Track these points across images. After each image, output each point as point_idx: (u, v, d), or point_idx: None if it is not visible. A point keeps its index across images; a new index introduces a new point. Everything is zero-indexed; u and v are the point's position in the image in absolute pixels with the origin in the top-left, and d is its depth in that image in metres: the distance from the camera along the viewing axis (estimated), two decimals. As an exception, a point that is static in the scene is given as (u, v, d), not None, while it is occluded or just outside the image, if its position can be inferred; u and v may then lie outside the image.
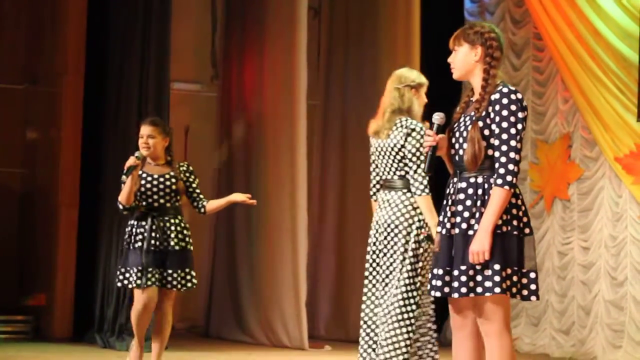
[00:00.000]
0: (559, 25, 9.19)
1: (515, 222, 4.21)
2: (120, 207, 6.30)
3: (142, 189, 6.32)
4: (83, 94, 9.07)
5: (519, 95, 4.24)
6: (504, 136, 4.18)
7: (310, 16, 9.93)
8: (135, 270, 6.27)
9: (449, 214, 4.29)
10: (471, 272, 4.15)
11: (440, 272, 4.25)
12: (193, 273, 6.46)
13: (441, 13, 10.28)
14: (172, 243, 6.34)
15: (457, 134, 4.33)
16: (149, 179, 6.35)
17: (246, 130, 9.75)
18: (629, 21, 8.71)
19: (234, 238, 9.70)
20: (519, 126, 4.20)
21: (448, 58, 4.49)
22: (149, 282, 6.27)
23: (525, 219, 4.25)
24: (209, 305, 9.89)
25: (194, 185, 6.50)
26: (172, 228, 6.36)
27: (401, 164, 5.76)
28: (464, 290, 4.16)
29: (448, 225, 4.28)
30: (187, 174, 6.49)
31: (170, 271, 6.33)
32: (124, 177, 6.19)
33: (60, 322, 8.96)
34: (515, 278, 4.20)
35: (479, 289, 4.14)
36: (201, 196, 6.53)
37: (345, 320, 9.87)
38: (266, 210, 9.27)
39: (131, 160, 6.19)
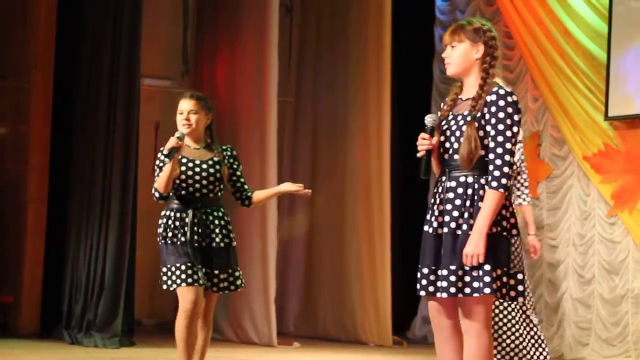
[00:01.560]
0: (529, 24, 9.23)
1: (504, 223, 4.22)
2: (157, 195, 5.47)
3: (182, 176, 5.49)
4: (52, 88, 9.02)
5: (515, 98, 4.22)
6: (500, 138, 4.16)
7: (282, 13, 9.92)
8: (184, 267, 5.45)
9: (436, 213, 4.27)
10: (460, 273, 4.14)
11: (426, 271, 4.24)
12: (238, 273, 5.64)
13: (412, 10, 10.32)
14: (216, 239, 5.54)
15: (448, 133, 4.29)
16: (190, 164, 5.52)
17: (217, 127, 9.70)
18: (598, 20, 8.76)
19: (204, 234, 9.67)
20: (515, 129, 4.18)
21: (443, 53, 4.39)
22: (201, 281, 5.46)
23: (512, 220, 4.25)
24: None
25: (238, 172, 5.69)
26: (216, 222, 5.57)
27: None
28: (452, 290, 4.15)
29: (435, 224, 4.26)
30: (232, 160, 5.67)
31: (216, 272, 5.53)
32: (164, 158, 5.40)
33: (27, 318, 8.91)
34: (504, 279, 4.20)
35: (468, 290, 4.14)
36: (246, 186, 5.72)
37: (315, 317, 9.89)
38: (235, 205, 9.24)
39: (173, 141, 5.38)
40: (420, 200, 9.60)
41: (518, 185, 5.83)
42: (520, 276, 4.23)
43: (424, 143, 4.27)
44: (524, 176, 5.83)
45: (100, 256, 8.47)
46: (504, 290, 4.20)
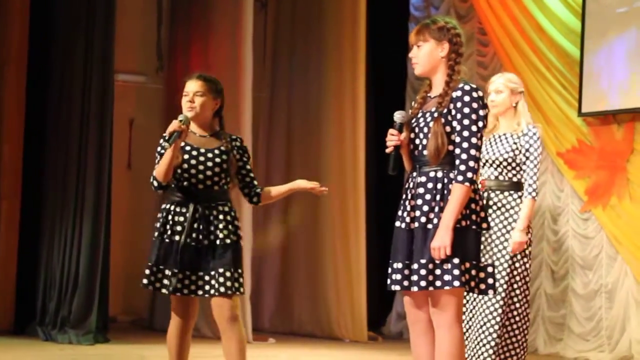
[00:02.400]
0: (503, 21, 9.27)
1: (473, 217, 4.27)
2: (155, 184, 4.99)
3: (185, 165, 4.98)
4: (25, 84, 8.96)
5: (480, 93, 4.28)
6: (465, 133, 4.22)
7: (257, 8, 9.91)
8: (169, 272, 4.99)
9: (408, 208, 4.32)
10: (431, 266, 4.18)
11: (400, 266, 4.27)
12: (237, 275, 5.01)
13: (387, 6, 10.33)
14: (220, 235, 4.98)
15: (417, 129, 4.35)
16: (194, 153, 5.01)
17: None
18: (572, 17, 8.81)
19: (179, 230, 9.64)
20: (480, 123, 4.24)
21: (409, 53, 4.47)
22: (185, 290, 4.99)
23: (482, 214, 4.30)
24: (153, 298, 9.84)
25: (247, 166, 5.16)
26: (221, 217, 5.01)
27: None
28: (423, 283, 4.19)
29: (407, 220, 4.31)
30: (241, 151, 5.15)
31: (221, 270, 4.94)
32: (164, 144, 4.89)
33: (1, 315, 8.85)
34: (473, 272, 4.26)
35: (438, 283, 4.18)
36: (255, 182, 5.19)
37: (290, 313, 9.89)
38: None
39: (174, 125, 4.86)
40: (395, 196, 9.59)
41: (522, 180, 5.86)
42: (490, 269, 4.27)
43: (392, 139, 4.33)
44: (529, 171, 5.84)
45: (75, 252, 8.44)
46: (472, 283, 4.26)
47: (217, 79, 5.19)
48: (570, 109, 8.76)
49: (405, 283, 4.26)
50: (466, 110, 4.23)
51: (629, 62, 8.34)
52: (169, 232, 5.01)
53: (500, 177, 5.86)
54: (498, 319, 5.77)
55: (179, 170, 4.99)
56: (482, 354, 5.79)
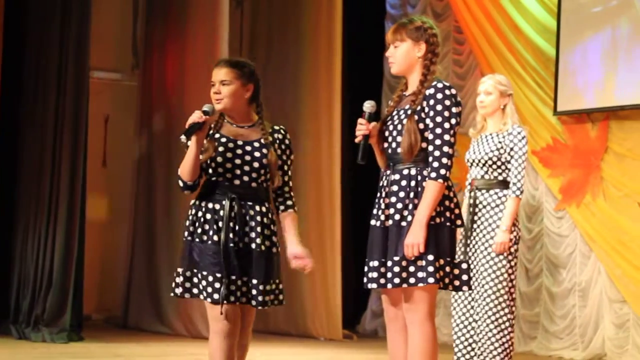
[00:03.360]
0: (479, 19, 9.30)
1: (447, 214, 4.28)
2: (180, 184, 4.52)
3: (219, 158, 4.43)
4: (0, 82, 8.91)
5: (453, 91, 4.29)
6: (438, 130, 4.23)
7: (233, 6, 9.89)
8: (211, 278, 4.35)
9: (382, 206, 4.33)
10: (404, 263, 4.19)
11: (376, 264, 4.28)
12: (281, 286, 4.54)
13: (363, 5, 10.34)
14: (257, 241, 4.41)
15: (391, 127, 4.36)
16: (230, 145, 4.45)
17: (167, 121, 9.68)
18: (547, 16, 8.84)
19: (154, 228, 9.62)
20: (453, 121, 4.25)
21: (386, 52, 4.49)
22: (232, 297, 4.37)
23: (457, 211, 4.31)
24: (127, 296, 9.82)
25: (285, 167, 4.59)
26: (258, 219, 4.43)
27: None
28: (397, 280, 4.20)
29: (382, 217, 4.31)
30: (283, 146, 4.58)
31: (255, 281, 4.39)
32: (182, 137, 4.37)
33: (-26, 313, 8.81)
34: (447, 269, 4.27)
35: (412, 280, 4.18)
36: (289, 194, 4.61)
37: (265, 311, 9.81)
38: (185, 201, 9.21)
39: (195, 115, 4.36)
40: (371, 194, 9.60)
41: (508, 178, 5.90)
42: (464, 265, 4.28)
43: (361, 128, 4.35)
44: (514, 170, 5.88)
45: (49, 251, 8.40)
46: (446, 280, 4.26)
47: (247, 61, 4.65)
48: (545, 108, 8.80)
49: (382, 281, 4.26)
50: (439, 107, 4.24)
51: (604, 61, 8.38)
52: (199, 231, 4.43)
53: (486, 176, 5.91)
54: (492, 317, 5.81)
55: (212, 164, 4.45)
56: (483, 351, 5.84)
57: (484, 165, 5.91)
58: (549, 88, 8.77)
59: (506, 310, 5.85)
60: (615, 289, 8.16)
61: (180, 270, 4.44)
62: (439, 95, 4.25)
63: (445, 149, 4.21)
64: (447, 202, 4.27)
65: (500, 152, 5.88)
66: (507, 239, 5.78)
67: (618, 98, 8.24)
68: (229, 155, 4.44)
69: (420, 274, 4.16)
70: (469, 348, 5.96)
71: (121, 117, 10.19)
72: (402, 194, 4.27)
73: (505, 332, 5.86)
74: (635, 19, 8.13)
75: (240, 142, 4.47)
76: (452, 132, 4.24)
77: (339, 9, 9.63)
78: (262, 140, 4.49)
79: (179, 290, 4.42)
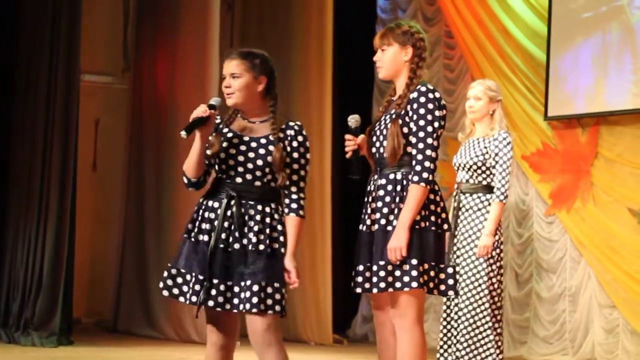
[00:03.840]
0: (470, 24, 9.32)
1: (433, 218, 4.29)
2: (185, 180, 4.38)
3: (222, 154, 4.21)
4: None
5: (437, 94, 4.31)
6: (421, 134, 4.25)
7: (223, 10, 9.89)
8: (194, 279, 4.18)
9: (369, 211, 4.33)
10: (390, 268, 4.20)
11: (362, 268, 4.29)
12: (284, 290, 4.22)
13: (354, 9, 10.35)
14: (253, 240, 4.15)
15: (378, 132, 4.40)
16: (235, 140, 4.22)
17: (157, 124, 9.67)
18: (538, 21, 8.86)
19: (144, 232, 9.61)
20: (436, 124, 4.26)
21: (374, 57, 4.50)
22: (211, 302, 4.14)
23: (443, 215, 4.33)
24: (118, 300, 9.80)
25: (294, 165, 4.23)
26: (257, 218, 4.16)
27: None
28: (382, 285, 4.22)
29: (368, 222, 4.34)
30: (294, 143, 4.24)
31: (248, 282, 4.11)
32: (182, 133, 4.14)
33: (-37, 316, 8.78)
34: (432, 273, 4.28)
35: (398, 284, 4.19)
36: (296, 195, 4.24)
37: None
38: (176, 205, 9.22)
39: (199, 110, 4.19)
40: (361, 198, 9.61)
41: (493, 183, 5.93)
42: (450, 270, 4.28)
43: (349, 144, 4.37)
44: (498, 175, 5.91)
45: (39, 254, 8.37)
46: (431, 284, 4.28)
47: (260, 51, 4.37)
48: (535, 112, 8.81)
49: (367, 285, 4.28)
50: (422, 111, 4.26)
51: (595, 66, 8.40)
52: (196, 230, 4.25)
53: (471, 180, 5.96)
54: (469, 320, 5.83)
55: (217, 160, 4.25)
56: (454, 353, 5.86)
57: (469, 169, 5.96)
58: (539, 93, 8.79)
59: (485, 313, 5.87)
60: (605, 294, 8.18)
61: (169, 265, 4.28)
62: (422, 99, 4.27)
63: (428, 152, 4.22)
64: (432, 206, 4.29)
65: (485, 157, 5.93)
66: (490, 243, 5.83)
67: (608, 103, 8.27)
68: (232, 151, 4.21)
69: (405, 279, 4.18)
70: (449, 350, 6.00)
71: (112, 120, 10.18)
72: (387, 199, 4.29)
73: (485, 334, 5.88)
74: (625, 24, 8.15)
75: (246, 138, 4.22)
76: (435, 135, 4.25)
77: (329, 13, 9.64)
78: (271, 137, 4.20)
79: (161, 285, 4.26)
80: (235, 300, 4.11)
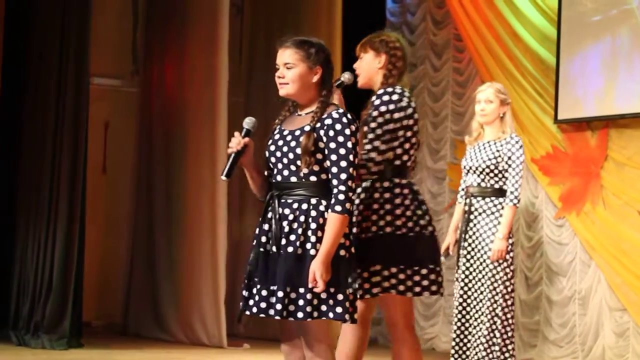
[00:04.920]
0: (479, 27, 9.31)
1: (398, 222, 4.31)
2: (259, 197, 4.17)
3: (266, 153, 4.10)
4: (0, 88, 8.91)
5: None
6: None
7: (233, 13, 9.90)
8: (245, 287, 4.09)
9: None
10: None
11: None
12: (305, 300, 3.93)
13: (363, 12, 10.33)
14: (283, 242, 3.95)
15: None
16: (276, 136, 4.07)
17: (167, 127, 9.68)
18: (547, 24, 8.85)
19: (153, 234, 9.62)
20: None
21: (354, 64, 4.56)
22: (255, 309, 4.05)
23: (415, 218, 4.33)
24: (127, 302, 9.81)
25: (335, 155, 3.93)
26: (290, 217, 3.94)
27: None
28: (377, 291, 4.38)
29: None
30: (331, 132, 3.94)
31: (273, 288, 3.97)
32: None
33: (-26, 319, 8.80)
34: (402, 276, 4.31)
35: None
36: (340, 187, 3.89)
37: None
38: (186, 208, 9.24)
39: (234, 143, 4.02)
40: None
41: (505, 187, 5.93)
42: (424, 271, 4.32)
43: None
44: (511, 179, 5.92)
45: (48, 257, 8.39)
46: (401, 287, 4.39)
47: (316, 40, 4.16)
48: (545, 116, 8.80)
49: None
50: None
51: (604, 70, 8.39)
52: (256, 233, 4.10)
53: (483, 184, 5.94)
54: (487, 324, 5.84)
55: (270, 164, 4.10)
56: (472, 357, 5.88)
57: (481, 172, 5.94)
58: (548, 96, 8.78)
59: (503, 317, 5.87)
60: (615, 297, 8.16)
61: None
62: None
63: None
64: (397, 211, 4.33)
65: (497, 160, 5.92)
66: (503, 247, 5.82)
67: (618, 106, 8.25)
68: (272, 148, 4.05)
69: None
70: (463, 356, 6.00)
71: (121, 123, 10.18)
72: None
73: (505, 336, 5.88)
74: (635, 27, 8.15)
75: (285, 132, 4.04)
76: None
77: (338, 16, 9.64)
78: (306, 127, 3.97)
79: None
80: (263, 305, 3.99)
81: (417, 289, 4.33)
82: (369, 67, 4.58)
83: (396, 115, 4.39)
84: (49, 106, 8.55)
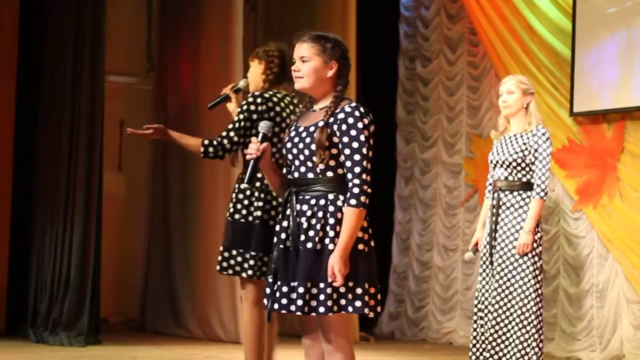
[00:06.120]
0: (493, 21, 9.29)
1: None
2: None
3: (283, 151, 4.13)
4: (15, 85, 8.94)
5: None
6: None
7: (247, 10, 9.90)
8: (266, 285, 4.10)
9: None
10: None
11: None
12: (325, 294, 3.90)
13: (377, 7, 10.33)
14: (302, 237, 3.94)
15: None
16: (292, 134, 4.07)
17: (182, 124, 9.68)
18: (562, 17, 8.82)
19: (169, 231, 9.65)
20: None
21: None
22: (276, 305, 4.02)
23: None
24: (144, 299, 9.84)
25: (348, 149, 3.92)
26: (308, 213, 3.95)
27: None
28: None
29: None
30: (344, 126, 3.94)
31: (293, 284, 3.94)
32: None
33: (-8, 317, 8.85)
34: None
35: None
36: (356, 180, 3.89)
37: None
38: (201, 204, 9.25)
39: (252, 149, 3.99)
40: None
41: (532, 180, 5.91)
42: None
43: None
44: (538, 172, 5.90)
45: (66, 254, 8.42)
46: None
47: (333, 35, 4.14)
48: (560, 109, 8.78)
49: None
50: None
51: (620, 62, 8.36)
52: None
53: (510, 178, 5.91)
54: (520, 317, 5.84)
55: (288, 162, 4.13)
56: (508, 352, 5.86)
57: (508, 166, 5.91)
58: (564, 89, 8.75)
59: (533, 310, 5.85)
60: (633, 290, 8.14)
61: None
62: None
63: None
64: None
65: (524, 154, 5.88)
66: (530, 241, 5.79)
67: (634, 98, 8.22)
68: (288, 145, 4.05)
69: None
70: (492, 352, 5.96)
71: (136, 120, 10.12)
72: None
73: (532, 332, 5.86)
74: (651, 19, 8.12)
75: (300, 129, 4.04)
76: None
77: (352, 12, 9.64)
78: (320, 123, 3.96)
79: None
80: (284, 301, 3.97)
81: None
82: (253, 74, 5.51)
83: (254, 116, 5.27)
84: (65, 104, 8.58)
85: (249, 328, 5.44)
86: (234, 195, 5.42)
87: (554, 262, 8.79)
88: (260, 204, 5.33)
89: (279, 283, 4.02)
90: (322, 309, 3.94)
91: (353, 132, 3.94)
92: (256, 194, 5.34)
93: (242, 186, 4.06)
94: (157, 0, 10.37)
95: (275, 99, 5.37)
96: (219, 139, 5.33)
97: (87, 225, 8.46)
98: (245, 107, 5.32)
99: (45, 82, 8.79)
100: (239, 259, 5.37)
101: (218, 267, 5.44)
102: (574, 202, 8.68)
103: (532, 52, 8.98)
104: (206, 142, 5.37)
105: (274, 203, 5.32)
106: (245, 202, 5.33)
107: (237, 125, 5.30)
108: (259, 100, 5.31)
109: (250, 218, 5.34)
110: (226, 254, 5.40)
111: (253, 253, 5.33)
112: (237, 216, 5.37)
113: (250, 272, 5.35)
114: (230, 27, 9.21)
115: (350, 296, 3.95)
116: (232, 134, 5.30)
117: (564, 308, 8.66)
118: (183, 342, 8.98)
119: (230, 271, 5.40)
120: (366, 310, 3.98)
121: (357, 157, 3.92)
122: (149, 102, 10.16)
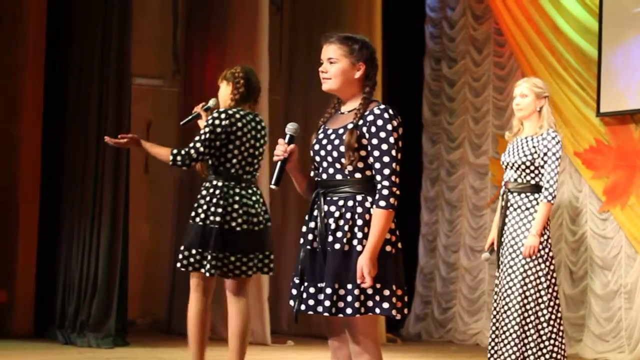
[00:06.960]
0: (520, 21, 9.26)
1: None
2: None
3: (311, 152, 4.13)
4: (43, 88, 9.00)
5: None
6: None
7: (272, 11, 9.92)
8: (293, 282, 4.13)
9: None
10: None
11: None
12: (352, 296, 3.92)
13: (403, 8, 10.33)
14: (330, 239, 3.96)
15: None
16: (320, 136, 4.08)
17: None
18: (588, 17, 8.79)
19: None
20: None
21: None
22: (303, 306, 4.07)
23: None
24: (171, 300, 9.85)
25: (377, 151, 3.91)
26: (336, 215, 3.96)
27: None
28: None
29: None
30: (373, 128, 3.93)
31: (320, 285, 3.97)
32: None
33: (21, 319, 8.89)
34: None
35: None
36: (384, 182, 3.90)
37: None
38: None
39: (279, 151, 4.07)
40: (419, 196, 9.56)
41: (541, 183, 5.91)
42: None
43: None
44: (546, 175, 5.89)
45: (93, 256, 8.46)
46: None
47: (360, 36, 4.10)
48: (587, 109, 8.74)
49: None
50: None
51: (647, 62, 8.32)
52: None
53: (519, 179, 5.93)
54: (517, 319, 5.82)
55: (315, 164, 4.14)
56: (503, 353, 5.86)
57: (517, 168, 5.93)
58: (591, 89, 8.72)
59: (532, 311, 5.84)
60: (661, 291, 8.10)
61: None
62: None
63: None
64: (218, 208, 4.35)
65: (534, 157, 5.89)
66: (535, 243, 5.79)
67: (662, 99, 8.19)
68: (316, 147, 4.07)
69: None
70: (492, 351, 6.01)
71: (163, 123, 10.24)
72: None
73: (540, 332, 5.85)
74: (678, 18, 8.07)
75: (329, 131, 4.05)
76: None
77: (378, 13, 9.64)
78: (349, 125, 3.96)
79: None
80: (311, 302, 3.99)
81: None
82: (222, 94, 5.98)
83: (218, 130, 5.71)
84: (92, 107, 8.63)
85: (196, 319, 6.34)
86: (197, 200, 5.92)
87: (581, 263, 8.75)
88: (220, 210, 5.77)
89: (305, 284, 4.03)
90: (349, 311, 3.94)
91: (382, 134, 3.93)
92: (214, 200, 5.81)
93: (270, 187, 3.96)
94: (183, 3, 10.41)
95: (238, 116, 5.83)
96: (187, 149, 5.77)
97: (115, 227, 8.50)
98: (210, 122, 5.77)
99: (73, 85, 8.84)
100: (198, 257, 5.83)
101: (179, 265, 5.92)
102: (602, 203, 8.64)
103: (559, 52, 8.95)
104: (175, 151, 5.80)
105: (229, 209, 5.80)
106: (204, 207, 5.81)
107: (202, 137, 5.75)
108: (222, 116, 5.77)
109: (208, 222, 5.79)
110: (186, 253, 5.84)
111: (214, 254, 5.77)
112: (197, 219, 5.82)
113: (212, 271, 5.81)
114: (255, 28, 9.24)
115: (377, 298, 3.95)
116: (198, 144, 5.75)
117: (591, 309, 8.62)
118: (209, 343, 8.98)
119: (190, 268, 5.88)
120: (393, 312, 3.98)
121: (386, 159, 3.91)
122: (175, 104, 10.19)
